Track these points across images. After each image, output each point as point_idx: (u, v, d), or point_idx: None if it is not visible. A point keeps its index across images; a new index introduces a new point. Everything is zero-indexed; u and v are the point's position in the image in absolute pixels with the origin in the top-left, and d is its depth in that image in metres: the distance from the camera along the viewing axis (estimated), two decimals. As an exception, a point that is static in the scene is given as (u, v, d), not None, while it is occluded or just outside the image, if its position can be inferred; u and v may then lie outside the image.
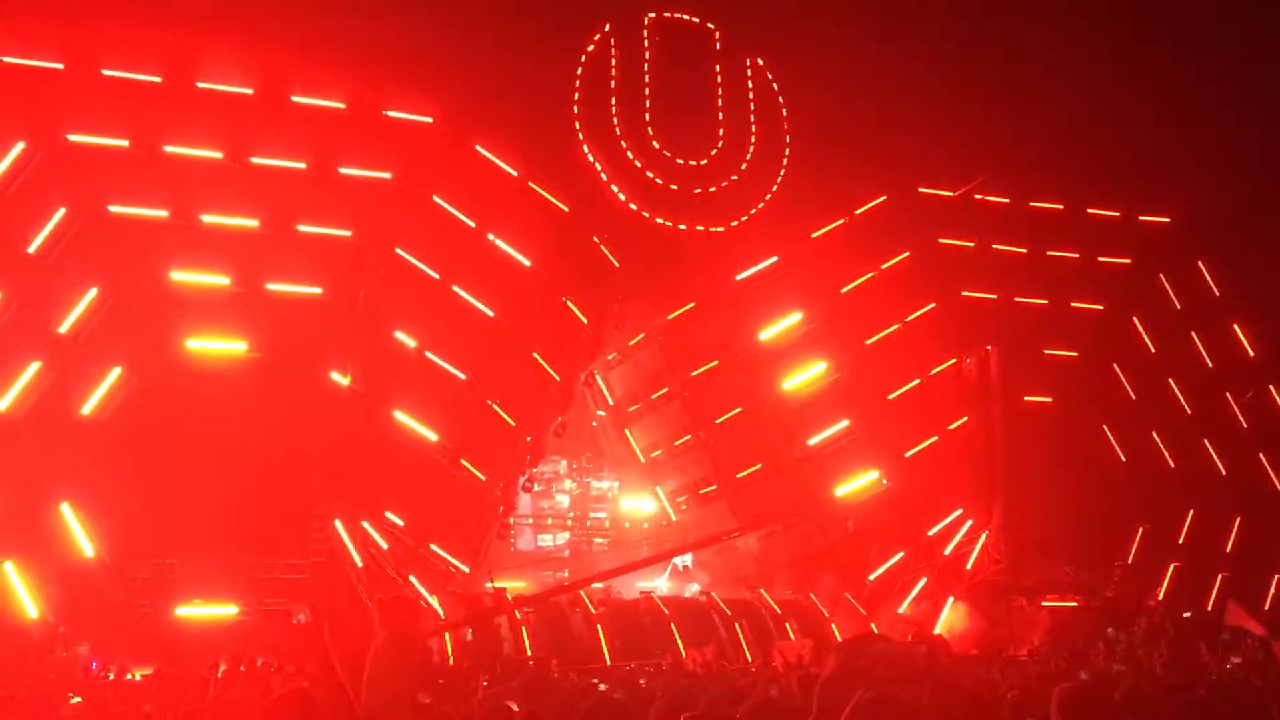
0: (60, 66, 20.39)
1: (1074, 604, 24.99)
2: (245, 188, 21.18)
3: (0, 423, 19.23)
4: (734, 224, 25.41)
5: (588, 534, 28.19)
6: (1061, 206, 28.01)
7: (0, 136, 19.97)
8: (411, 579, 21.70)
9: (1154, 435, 27.70)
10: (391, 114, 22.53)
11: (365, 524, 21.41)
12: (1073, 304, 27.60)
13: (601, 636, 22.37)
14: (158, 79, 20.99)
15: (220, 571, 19.91)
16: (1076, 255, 27.94)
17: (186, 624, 19.85)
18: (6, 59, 20.08)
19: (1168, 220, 28.83)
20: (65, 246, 20.03)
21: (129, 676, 18.40)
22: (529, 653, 21.40)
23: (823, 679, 7.26)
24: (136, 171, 20.58)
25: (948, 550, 25.63)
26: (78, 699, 15.03)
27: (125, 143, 20.64)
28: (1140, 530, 26.90)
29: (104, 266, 20.22)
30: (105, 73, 20.67)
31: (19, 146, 19.97)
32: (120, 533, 19.72)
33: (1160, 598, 25.98)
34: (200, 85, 21.19)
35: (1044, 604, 25.04)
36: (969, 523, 25.79)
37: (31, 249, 19.83)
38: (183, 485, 19.68)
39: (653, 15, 25.52)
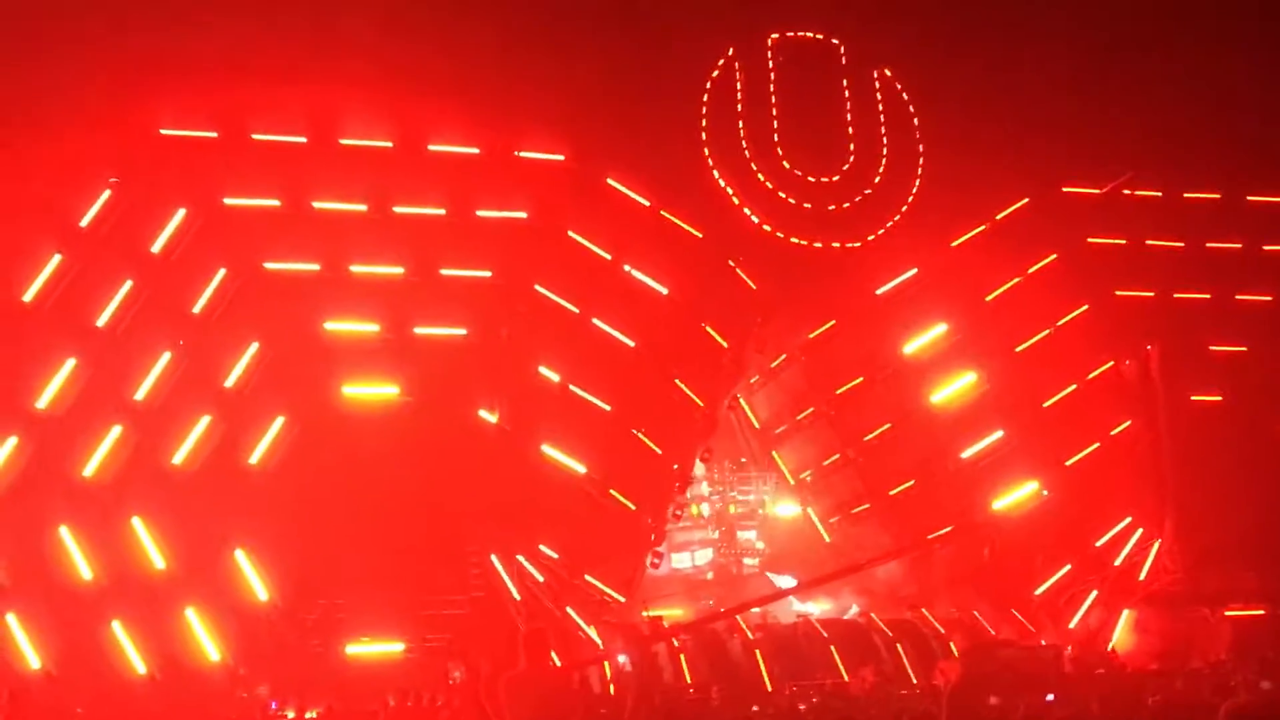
0: (214, 135, 21.56)
1: (1260, 612, 23.63)
2: (389, 237, 21.97)
3: (177, 475, 20.32)
4: (871, 238, 25.06)
5: (735, 554, 27.42)
6: (1218, 195, 26.69)
7: (163, 205, 21.22)
8: (569, 610, 21.93)
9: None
10: (524, 154, 23.03)
11: (520, 558, 21.76)
12: (1238, 296, 26.25)
13: (760, 662, 22.21)
14: (303, 139, 21.99)
15: (385, 610, 20.54)
16: (1239, 245, 26.57)
17: (356, 662, 20.53)
18: (165, 131, 21.35)
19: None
20: (227, 305, 21.12)
21: (307, 715, 19.15)
22: (688, 680, 21.40)
23: (949, 688, 7.10)
24: (288, 229, 21.58)
25: (1118, 561, 24.58)
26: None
27: (277, 202, 21.68)
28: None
29: (263, 321, 21.23)
30: (255, 137, 21.78)
31: (180, 213, 21.15)
32: (291, 576, 20.59)
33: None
34: (343, 142, 22.12)
35: (1227, 614, 23.78)
36: (1139, 531, 24.70)
37: (196, 309, 20.95)
38: (346, 527, 20.45)
39: (775, 35, 25.45)
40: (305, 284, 21.51)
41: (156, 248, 20.98)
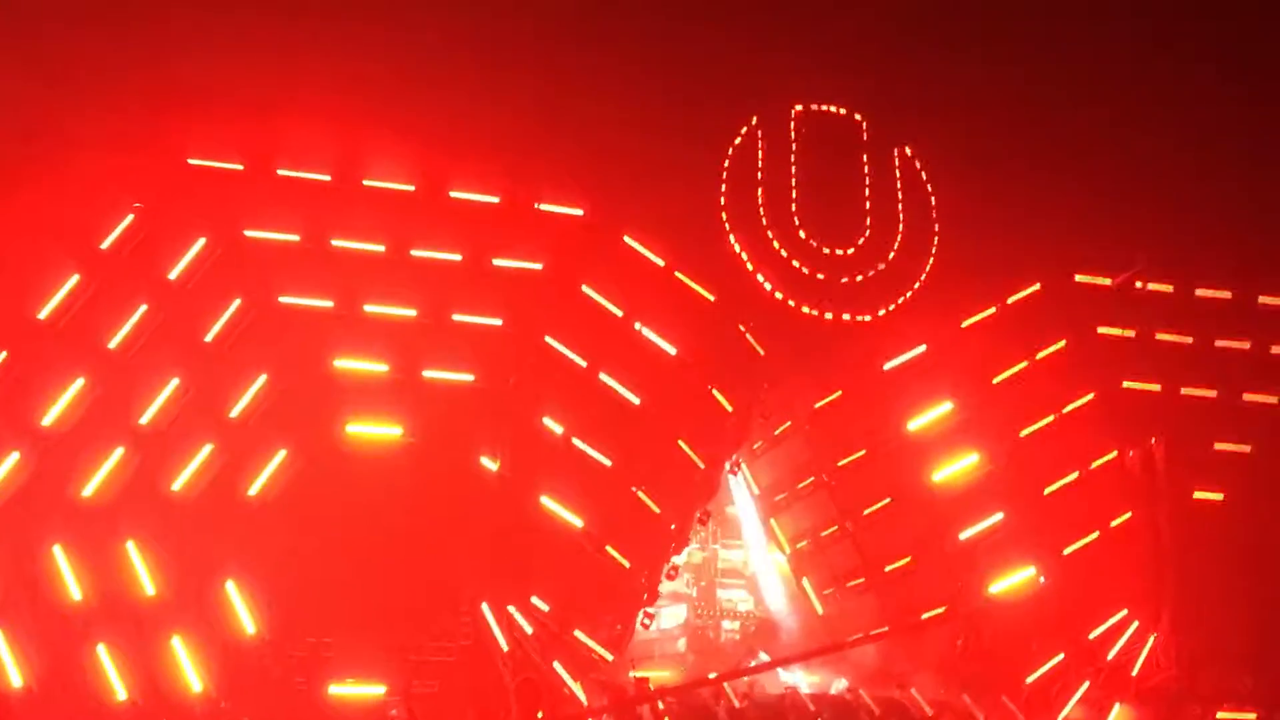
0: (240, 167, 21.83)
1: (1253, 716, 23.38)
2: (404, 279, 22.13)
3: (173, 503, 20.30)
4: (881, 313, 25.18)
5: (714, 616, 26.82)
6: (1229, 294, 26.83)
7: (184, 232, 21.43)
8: (555, 665, 21.76)
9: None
10: (543, 207, 23.28)
11: (511, 609, 21.64)
12: (1245, 396, 26.28)
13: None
14: (327, 177, 22.25)
15: (371, 652, 20.41)
16: (1247, 344, 26.66)
17: (338, 702, 20.35)
18: (192, 161, 21.64)
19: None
20: (239, 336, 21.23)
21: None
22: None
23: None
24: (306, 264, 21.76)
25: (1112, 654, 24.36)
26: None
27: (296, 237, 21.88)
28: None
29: (273, 354, 21.32)
30: (280, 172, 22.05)
31: (200, 242, 21.35)
32: (280, 610, 20.49)
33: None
34: (365, 183, 22.39)
35: (1219, 715, 23.53)
36: (1135, 625, 24.51)
37: (208, 338, 21.07)
38: (339, 565, 20.42)
39: (799, 107, 25.81)
40: (318, 320, 21.63)
41: (174, 274, 21.15)
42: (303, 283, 21.63)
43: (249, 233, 21.62)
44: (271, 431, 21.02)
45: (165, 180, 21.40)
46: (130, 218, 21.08)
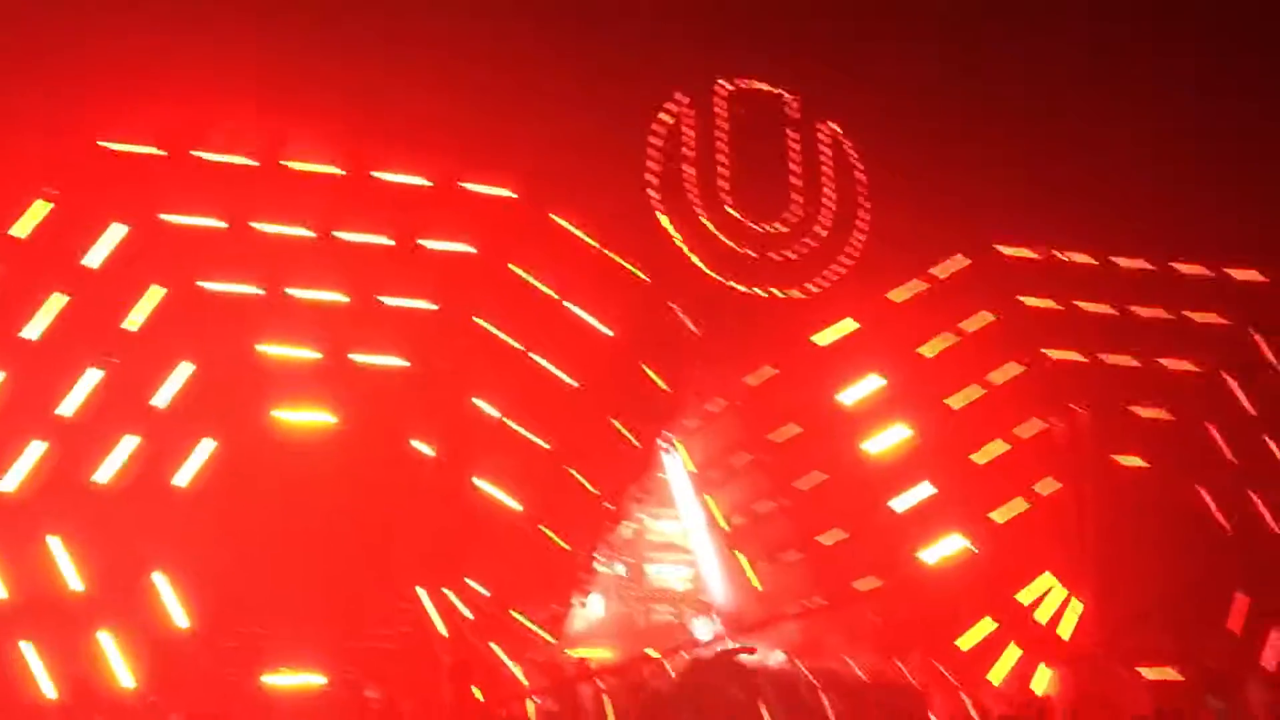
0: (157, 151, 21.23)
1: (1174, 674, 24.12)
2: (332, 263, 21.76)
3: (100, 496, 19.80)
4: (811, 288, 25.38)
5: (643, 597, 26.75)
6: (1148, 263, 27.48)
7: (98, 218, 20.82)
8: (494, 646, 21.70)
9: (1254, 497, 26.76)
10: (472, 188, 23.02)
11: (448, 592, 21.52)
12: (1163, 362, 26.97)
13: (686, 705, 22.10)
14: (248, 159, 21.75)
15: (307, 641, 20.16)
16: (1166, 312, 27.33)
17: (273, 693, 20.08)
18: (105, 144, 20.99)
19: (1261, 276, 28.09)
20: (160, 323, 20.71)
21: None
22: (611, 722, 21.27)
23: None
24: (228, 249, 21.28)
25: (1039, 618, 24.94)
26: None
27: (218, 222, 21.37)
28: (1241, 596, 25.92)
29: (197, 342, 20.84)
30: (198, 154, 21.49)
31: (117, 228, 20.76)
32: (211, 602, 20.12)
33: (1262, 664, 24.96)
34: (289, 164, 21.93)
35: (1142, 673, 24.22)
36: (1061, 589, 25.10)
37: (129, 326, 20.52)
38: (271, 554, 20.09)
39: (727, 84, 25.82)
40: (243, 306, 21.18)
41: (90, 262, 20.55)
42: (226, 268, 21.14)
43: (168, 217, 21.07)
44: (198, 420, 20.57)
45: (78, 164, 20.76)
46: (42, 203, 20.41)
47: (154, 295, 20.68)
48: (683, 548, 27.94)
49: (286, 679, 20.28)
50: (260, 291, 21.27)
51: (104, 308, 20.52)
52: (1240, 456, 26.91)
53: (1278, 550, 26.55)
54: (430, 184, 22.69)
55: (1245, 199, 26.50)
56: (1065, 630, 24.85)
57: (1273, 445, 27.17)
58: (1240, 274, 27.97)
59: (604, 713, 21.69)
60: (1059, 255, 26.87)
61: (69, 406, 19.91)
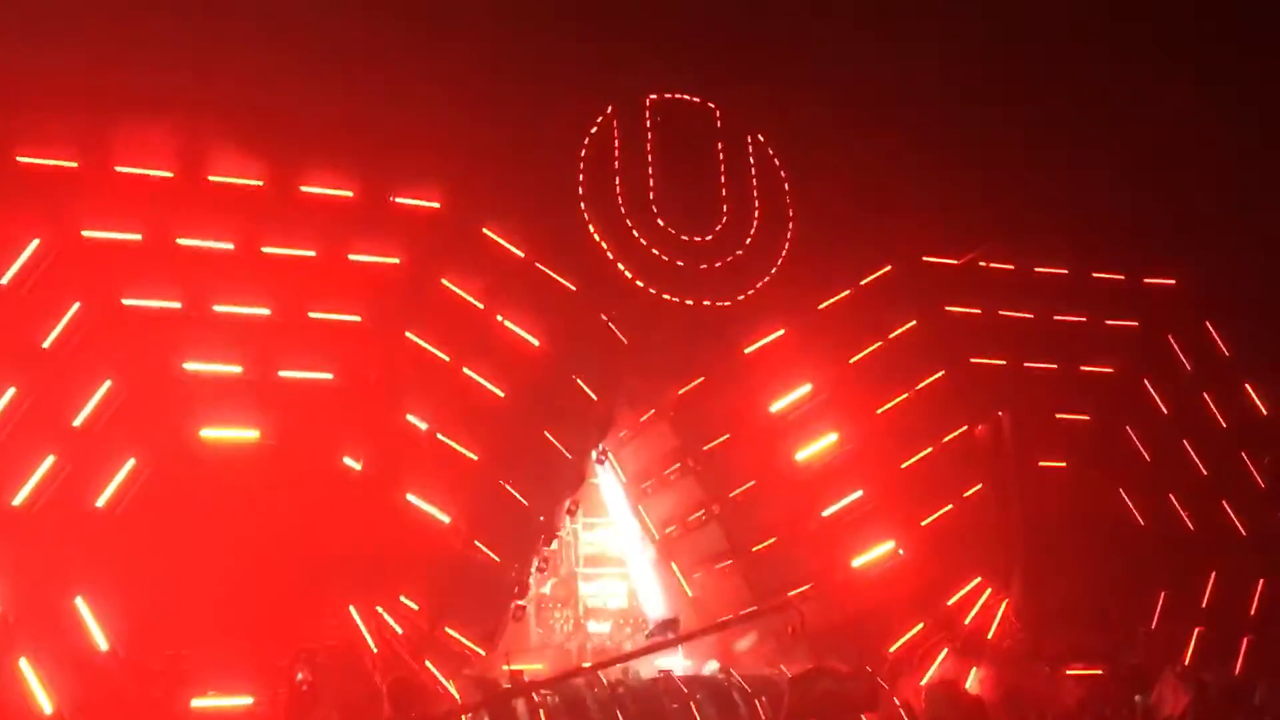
0: (74, 165, 20.83)
1: (1098, 672, 24.63)
2: (256, 277, 21.51)
3: (15, 517, 19.32)
4: (740, 298, 25.58)
5: (576, 616, 26.15)
6: (1066, 271, 28.14)
7: (16, 234, 20.37)
8: (427, 663, 21.51)
9: (1171, 497, 27.50)
10: (399, 200, 22.89)
11: (379, 609, 21.29)
12: (1082, 368, 27.62)
13: (620, 718, 22.10)
14: (170, 173, 21.43)
15: (235, 662, 19.80)
16: (1084, 319, 28.01)
17: (201, 716, 19.69)
18: (22, 159, 20.54)
19: (1173, 282, 28.92)
20: (80, 341, 20.29)
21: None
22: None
23: (785, 713, 7.52)
24: (149, 265, 20.94)
25: (968, 620, 25.34)
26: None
27: (138, 236, 21.02)
28: (1162, 594, 26.60)
29: (118, 359, 20.45)
30: (118, 169, 21.13)
31: (34, 244, 20.33)
32: (135, 624, 19.69)
33: (1185, 663, 25.57)
34: (212, 178, 21.64)
35: (1069, 672, 24.70)
36: (988, 591, 25.55)
37: (46, 344, 20.09)
38: (197, 575, 19.71)
39: (654, 96, 25.97)
40: (165, 321, 20.84)
41: (5, 279, 20.08)
42: (147, 284, 20.80)
43: (87, 233, 20.67)
44: (118, 439, 20.17)
45: (-7, 179, 20.30)
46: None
47: (73, 312, 20.24)
48: (615, 560, 27.91)
49: (214, 701, 19.89)
50: (184, 307, 20.94)
51: (21, 325, 20.05)
52: (1157, 458, 27.68)
53: (1196, 550, 27.34)
54: (355, 196, 22.50)
55: (1158, 208, 27.24)
56: (992, 632, 25.28)
57: (1188, 446, 27.98)
58: (1154, 281, 28.80)
59: (539, 726, 21.61)
60: (982, 264, 27.43)
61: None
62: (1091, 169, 27.27)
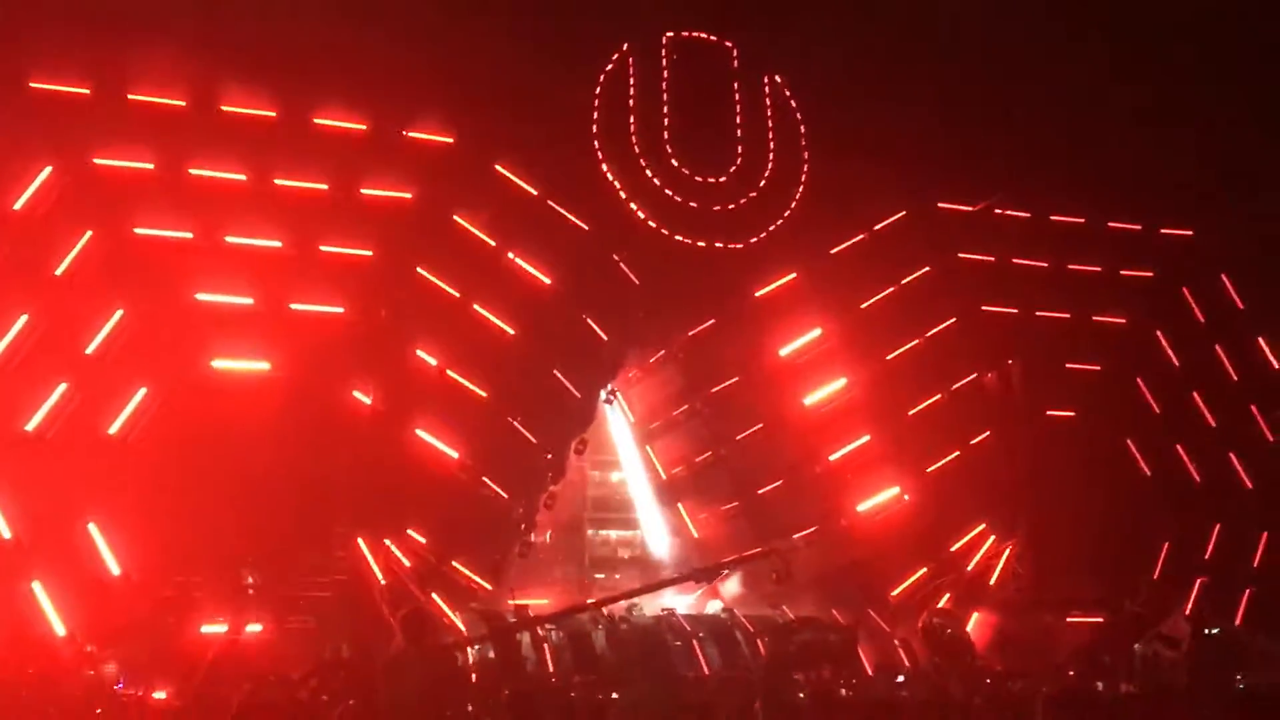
0: (87, 92, 20.76)
1: (1099, 620, 24.82)
2: (268, 209, 21.47)
3: (28, 443, 19.50)
4: (753, 240, 25.46)
5: (583, 565, 26.41)
6: (1082, 220, 27.91)
7: (27, 161, 20.35)
8: (434, 596, 21.77)
9: (1179, 449, 27.51)
10: (412, 135, 22.76)
11: (388, 542, 21.51)
12: (1095, 318, 27.50)
13: (624, 653, 22.38)
14: (183, 103, 21.34)
15: (244, 590, 20.05)
16: (1098, 269, 27.84)
17: (211, 642, 19.99)
18: (34, 85, 20.47)
19: (1190, 233, 28.67)
20: (92, 269, 20.35)
21: (154, 696, 18.59)
22: (551, 669, 21.48)
23: (764, 663, 7.64)
24: (162, 194, 20.92)
25: (970, 566, 25.50)
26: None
27: (151, 165, 20.99)
28: (1166, 545, 26.71)
29: (129, 288, 20.53)
30: (131, 97, 21.05)
31: (46, 171, 20.33)
32: (146, 551, 19.97)
33: (1187, 613, 25.72)
34: (225, 109, 21.54)
35: (1069, 620, 24.88)
36: (992, 538, 25.67)
37: (58, 271, 20.15)
38: (207, 503, 19.93)
39: (670, 34, 25.67)
40: (177, 251, 20.87)
41: (17, 205, 20.10)
42: (160, 213, 20.80)
43: (99, 160, 20.65)
44: (131, 368, 20.32)
45: (5, 105, 20.22)
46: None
47: (86, 240, 20.28)
48: (621, 499, 28.07)
49: (224, 628, 20.17)
50: (196, 237, 20.96)
51: (34, 252, 20.11)
52: (1166, 409, 27.65)
53: (1201, 501, 27.39)
54: (368, 129, 22.39)
55: (1177, 157, 26.93)
56: (994, 578, 25.45)
57: (1198, 398, 27.93)
58: (1170, 232, 28.58)
59: (544, 660, 21.90)
60: (997, 211, 27.23)
61: (-3, 353, 19.54)
62: (1110, 118, 26.94)
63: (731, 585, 25.88)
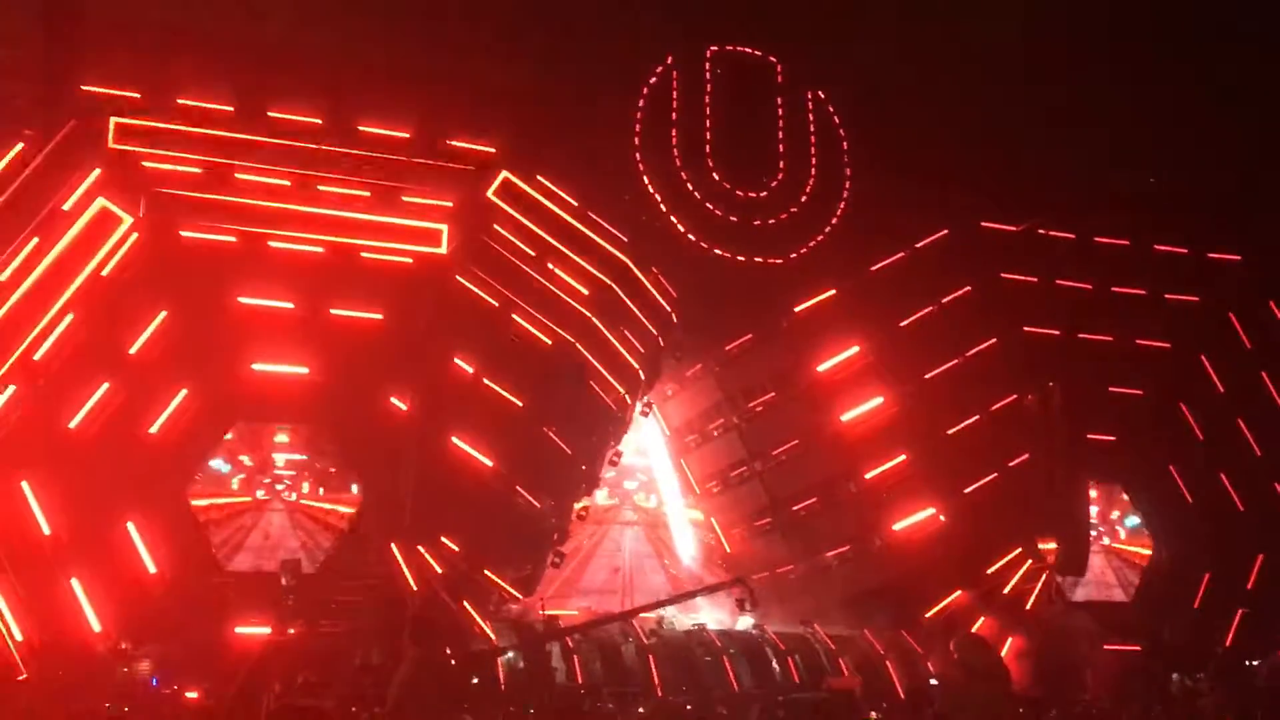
0: (137, 95, 21.07)
1: (1136, 648, 24.42)
2: (312, 214, 21.67)
3: (71, 440, 19.75)
4: (793, 256, 25.38)
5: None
6: (1127, 242, 27.57)
7: (77, 162, 20.66)
8: (466, 604, 21.77)
9: (1222, 477, 27.04)
10: (455, 143, 22.90)
11: (421, 549, 21.56)
12: (1139, 341, 27.10)
13: (653, 667, 22.33)
14: (230, 107, 21.60)
15: (277, 592, 20.19)
16: (1143, 292, 27.45)
17: (243, 642, 20.12)
18: (86, 87, 20.80)
19: (1238, 258, 28.24)
20: (138, 270, 20.60)
21: (187, 695, 18.73)
22: (580, 680, 21.46)
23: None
24: (208, 197, 21.16)
25: (1007, 589, 25.17)
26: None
27: (198, 170, 21.25)
28: (1207, 575, 26.26)
29: (174, 290, 20.76)
30: (180, 101, 21.35)
31: (95, 173, 20.62)
32: (183, 551, 20.16)
33: (1227, 645, 25.28)
34: (271, 114, 21.78)
35: (1106, 648, 24.50)
36: (1029, 562, 25.34)
37: (105, 272, 20.42)
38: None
39: (715, 48, 25.69)
40: (221, 254, 21.09)
41: (66, 206, 20.42)
42: (205, 216, 21.04)
43: (147, 163, 20.94)
44: (172, 369, 20.54)
45: (58, 108, 20.58)
46: (20, 146, 20.25)
47: (131, 242, 20.55)
48: (654, 512, 28.09)
49: (256, 629, 20.30)
50: (239, 241, 21.17)
51: (81, 253, 20.39)
52: (1210, 436, 27.20)
53: (1244, 531, 26.90)
54: (411, 136, 22.55)
55: (1225, 182, 26.58)
56: (1031, 603, 25.10)
57: (1243, 425, 27.44)
58: (1218, 256, 28.17)
59: (572, 671, 21.88)
60: (1040, 231, 26.94)
61: (42, 351, 19.80)
62: (1159, 140, 26.64)
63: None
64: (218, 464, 22.33)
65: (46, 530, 19.29)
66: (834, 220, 25.72)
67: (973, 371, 25.72)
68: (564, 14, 23.39)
